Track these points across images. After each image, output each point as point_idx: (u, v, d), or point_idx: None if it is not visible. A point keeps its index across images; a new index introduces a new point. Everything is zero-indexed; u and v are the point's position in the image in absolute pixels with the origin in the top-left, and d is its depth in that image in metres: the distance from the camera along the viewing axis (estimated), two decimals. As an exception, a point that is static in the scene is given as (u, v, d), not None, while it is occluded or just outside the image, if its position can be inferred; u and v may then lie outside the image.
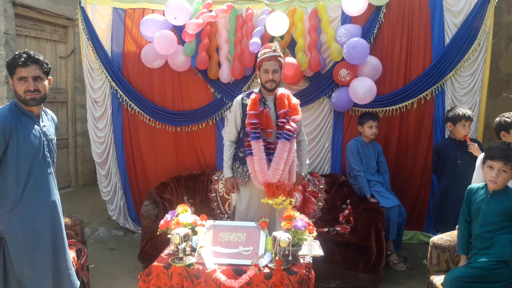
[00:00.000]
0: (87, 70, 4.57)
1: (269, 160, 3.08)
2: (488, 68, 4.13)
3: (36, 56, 2.37)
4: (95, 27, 4.44)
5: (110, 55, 4.46)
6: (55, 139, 2.57)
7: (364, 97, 3.96)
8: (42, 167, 2.42)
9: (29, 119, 2.40)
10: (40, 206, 2.41)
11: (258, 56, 3.20)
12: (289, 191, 3.18)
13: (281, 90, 3.21)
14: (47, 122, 2.53)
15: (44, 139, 2.44)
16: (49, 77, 2.47)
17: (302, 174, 3.38)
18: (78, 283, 2.65)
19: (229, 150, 3.28)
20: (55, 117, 2.65)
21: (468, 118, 3.73)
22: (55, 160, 2.56)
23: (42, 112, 2.51)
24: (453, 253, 2.93)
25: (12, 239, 2.34)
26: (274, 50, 3.13)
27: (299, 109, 3.23)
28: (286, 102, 3.15)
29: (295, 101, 3.23)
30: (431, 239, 3.03)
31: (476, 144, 3.67)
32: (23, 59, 2.31)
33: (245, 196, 3.25)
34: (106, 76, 4.45)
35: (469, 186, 2.80)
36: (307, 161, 3.46)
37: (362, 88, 3.92)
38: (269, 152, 3.10)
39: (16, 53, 2.35)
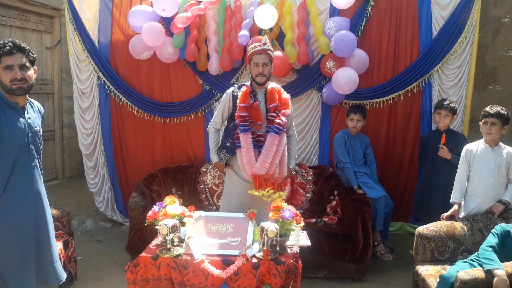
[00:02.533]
0: (73, 61, 4.52)
1: (259, 153, 3.11)
2: (475, 61, 4.19)
3: (22, 45, 2.33)
4: (82, 17, 4.39)
5: (97, 45, 4.42)
6: (41, 130, 2.52)
7: (344, 86, 3.96)
8: (26, 160, 2.37)
9: (14, 111, 2.35)
10: (23, 200, 2.36)
11: (248, 49, 3.19)
12: (279, 185, 3.20)
13: (271, 84, 3.21)
14: (33, 114, 2.47)
15: (29, 131, 2.38)
16: (34, 67, 2.43)
17: (290, 167, 3.40)
18: (64, 276, 2.60)
19: (214, 137, 3.33)
20: (41, 108, 2.59)
21: (442, 106, 3.75)
22: (41, 152, 2.51)
23: (28, 104, 2.45)
24: (438, 243, 2.99)
25: None
26: (264, 44, 3.14)
27: (290, 103, 3.24)
28: (277, 96, 3.17)
29: (286, 95, 3.24)
30: (417, 229, 3.08)
31: (446, 148, 3.68)
32: (8, 47, 2.26)
33: (232, 189, 3.27)
34: (94, 67, 4.41)
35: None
36: (296, 155, 3.48)
37: (344, 78, 3.94)
38: (259, 144, 3.13)
39: (0, 42, 2.30)
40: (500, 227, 2.68)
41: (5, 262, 2.32)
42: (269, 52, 3.14)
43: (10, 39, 2.34)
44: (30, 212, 2.39)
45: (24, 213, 2.36)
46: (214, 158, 3.32)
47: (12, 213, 2.32)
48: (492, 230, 2.69)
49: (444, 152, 3.68)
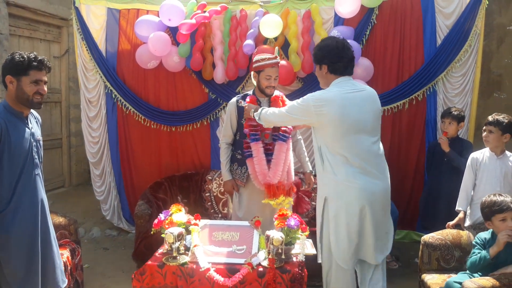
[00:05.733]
0: (81, 70, 4.57)
1: (268, 161, 3.15)
2: (479, 69, 4.18)
3: (47, 63, 2.44)
4: (90, 27, 4.45)
5: (104, 55, 4.47)
6: (41, 139, 2.56)
7: None
8: (30, 169, 2.41)
9: (19, 121, 2.39)
10: (29, 208, 2.39)
11: (258, 59, 3.16)
12: (287, 191, 3.23)
13: (275, 93, 3.26)
14: (34, 124, 2.53)
15: (32, 140, 2.43)
16: None
17: (308, 171, 3.46)
18: (62, 285, 2.59)
19: (226, 153, 3.33)
20: (39, 117, 2.64)
21: (445, 114, 3.75)
22: (42, 161, 2.55)
23: (29, 114, 2.50)
24: (444, 252, 2.98)
25: (1, 243, 2.32)
26: (276, 57, 3.17)
27: None
28: (281, 104, 3.21)
29: (288, 103, 3.29)
30: (423, 237, 3.07)
31: (446, 139, 3.69)
32: (37, 63, 2.36)
33: (244, 199, 3.29)
34: (101, 76, 4.46)
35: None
36: (307, 158, 3.51)
37: None
38: (267, 153, 3.17)
39: (27, 54, 2.36)
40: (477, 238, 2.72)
41: (12, 271, 2.34)
42: (279, 65, 3.21)
43: (34, 53, 2.40)
44: (36, 221, 2.42)
45: (31, 222, 2.40)
46: (226, 175, 3.33)
47: (19, 222, 2.35)
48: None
49: (443, 143, 3.67)
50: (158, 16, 4.16)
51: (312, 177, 3.49)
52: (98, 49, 4.44)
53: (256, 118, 2.92)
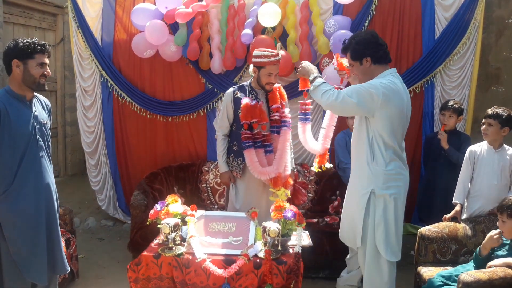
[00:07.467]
0: (76, 59, 4.53)
1: (266, 152, 3.13)
2: (478, 62, 4.17)
3: (48, 47, 2.55)
4: (85, 15, 4.39)
5: (100, 43, 4.42)
6: (49, 123, 2.64)
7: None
8: (33, 151, 2.48)
9: (21, 104, 2.46)
10: (33, 189, 2.46)
11: (260, 55, 3.10)
12: (284, 183, 3.24)
13: None
14: (39, 107, 2.60)
15: (36, 123, 2.49)
16: None
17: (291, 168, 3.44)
18: (68, 268, 2.70)
19: (223, 144, 3.31)
20: (48, 103, 2.71)
21: (446, 107, 3.74)
22: (50, 144, 2.62)
23: (34, 98, 2.58)
24: (440, 244, 2.98)
25: (5, 221, 2.40)
26: (278, 54, 3.13)
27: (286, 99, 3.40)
28: (278, 96, 3.21)
29: (283, 91, 3.37)
30: (419, 230, 3.08)
31: (446, 135, 3.68)
32: (41, 47, 2.47)
33: (241, 191, 3.28)
34: (96, 65, 4.41)
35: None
36: (292, 155, 3.51)
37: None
38: (265, 144, 3.17)
39: (30, 39, 2.45)
40: None
41: (18, 250, 2.42)
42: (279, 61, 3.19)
43: (33, 38, 2.49)
44: (40, 201, 2.49)
45: (34, 202, 2.47)
46: (223, 167, 3.31)
47: (22, 202, 2.42)
48: None
49: (443, 139, 3.67)
50: (155, 4, 4.11)
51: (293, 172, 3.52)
52: (93, 38, 4.39)
53: (311, 88, 2.71)
